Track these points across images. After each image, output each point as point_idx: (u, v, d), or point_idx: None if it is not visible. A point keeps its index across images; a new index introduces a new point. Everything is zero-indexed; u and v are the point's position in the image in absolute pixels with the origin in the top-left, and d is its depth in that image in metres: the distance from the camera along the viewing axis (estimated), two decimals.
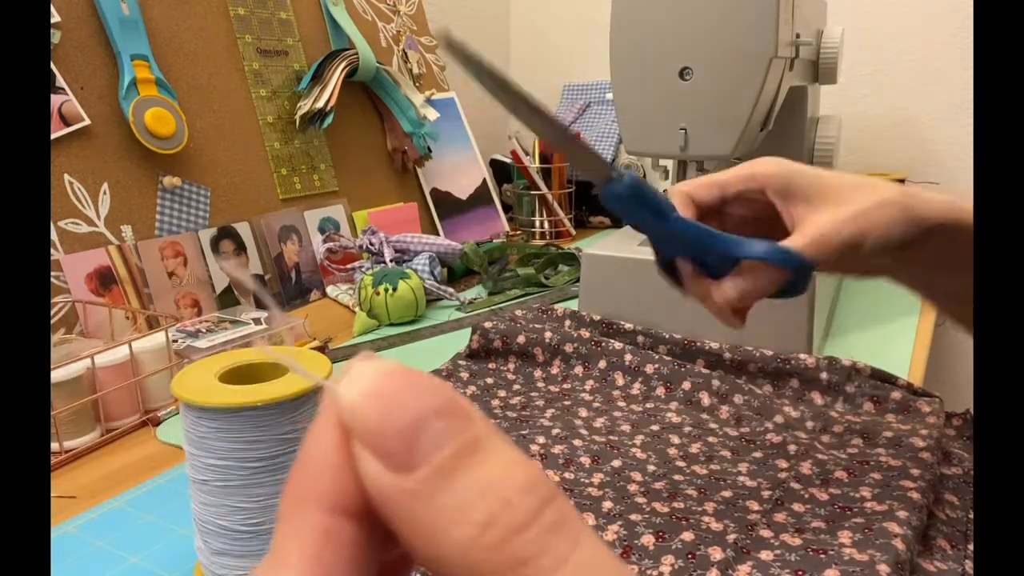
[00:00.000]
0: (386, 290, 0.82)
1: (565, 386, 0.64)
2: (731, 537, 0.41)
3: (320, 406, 0.15)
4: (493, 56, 1.55)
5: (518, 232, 1.26)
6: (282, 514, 0.14)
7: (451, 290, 0.91)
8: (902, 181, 1.15)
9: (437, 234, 1.16)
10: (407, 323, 0.84)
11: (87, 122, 0.76)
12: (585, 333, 0.68)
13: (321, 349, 0.75)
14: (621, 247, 0.77)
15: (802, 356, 0.61)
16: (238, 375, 0.40)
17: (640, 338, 0.68)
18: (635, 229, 0.42)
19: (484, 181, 1.28)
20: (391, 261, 0.94)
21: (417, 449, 0.14)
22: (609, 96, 1.40)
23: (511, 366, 0.68)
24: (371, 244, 0.96)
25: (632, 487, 0.48)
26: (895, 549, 0.38)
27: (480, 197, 1.26)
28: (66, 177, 0.74)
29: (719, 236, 0.40)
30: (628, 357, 0.64)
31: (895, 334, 0.75)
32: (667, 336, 0.67)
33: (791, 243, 0.40)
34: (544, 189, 1.26)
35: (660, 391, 0.62)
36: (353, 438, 0.14)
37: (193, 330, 0.71)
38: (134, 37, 0.79)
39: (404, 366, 0.15)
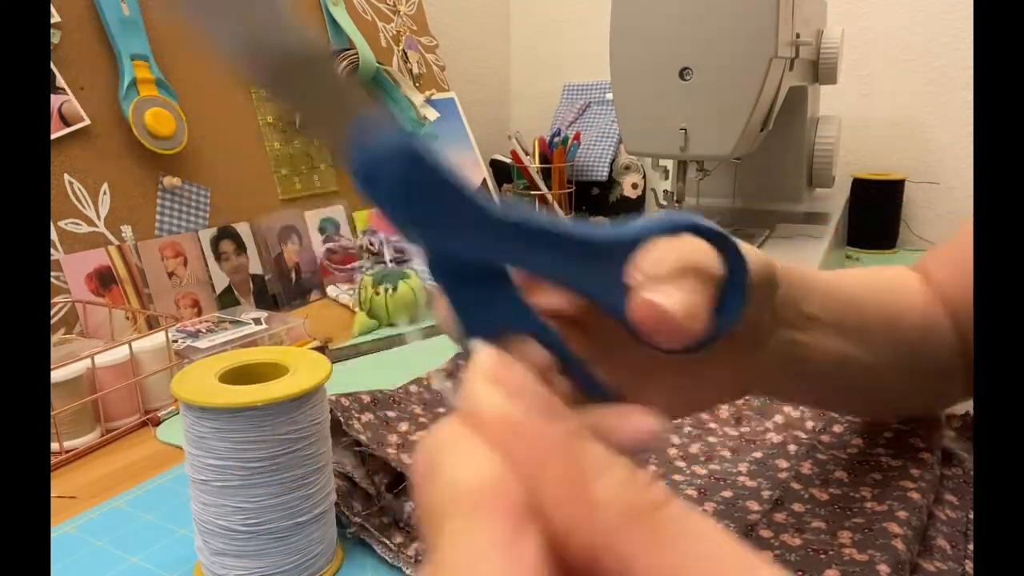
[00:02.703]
0: (386, 290, 0.82)
1: None
2: None
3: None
4: (493, 56, 1.55)
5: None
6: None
7: None
8: (902, 181, 1.15)
9: None
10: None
11: (87, 122, 0.76)
12: None
13: (320, 349, 0.74)
14: None
15: None
16: (238, 375, 0.40)
17: None
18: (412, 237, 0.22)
19: (484, 181, 1.28)
20: (391, 261, 0.94)
21: (561, 407, 0.16)
22: (609, 96, 1.40)
23: None
24: (371, 244, 0.96)
25: None
26: (895, 549, 0.38)
27: None
28: (66, 177, 0.74)
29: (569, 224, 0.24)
30: None
31: None
32: None
33: None
34: (544, 189, 1.25)
35: None
36: (488, 390, 0.16)
37: (193, 330, 0.71)
38: (134, 37, 0.79)
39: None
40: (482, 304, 0.24)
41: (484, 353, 0.17)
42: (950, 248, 0.47)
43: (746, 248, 0.29)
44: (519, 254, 0.23)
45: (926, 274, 0.46)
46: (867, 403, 0.49)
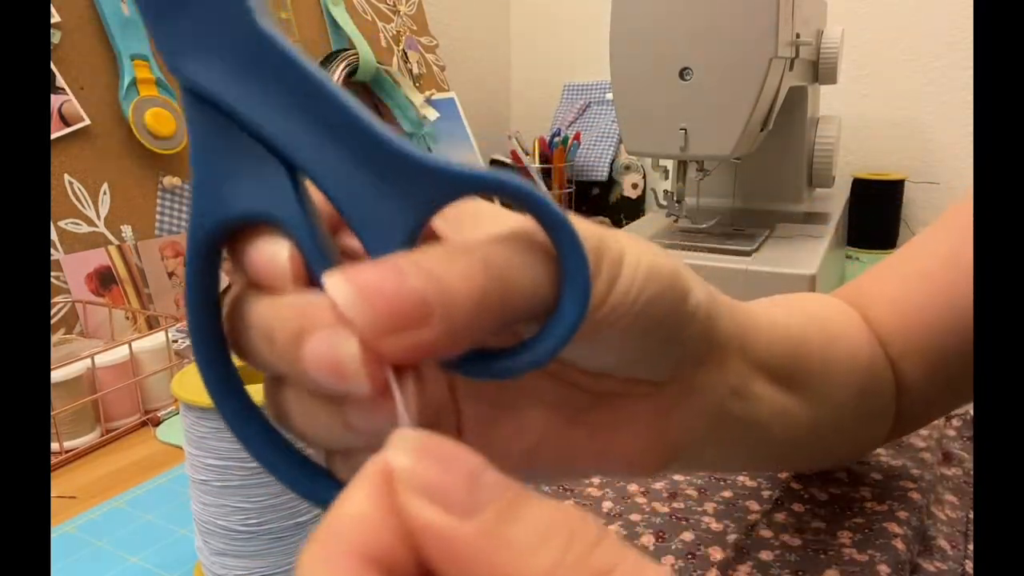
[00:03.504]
0: None
1: None
2: (731, 537, 0.41)
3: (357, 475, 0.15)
4: (493, 56, 1.55)
5: None
6: (309, 571, 0.14)
7: None
8: (902, 181, 1.15)
9: None
10: None
11: (87, 122, 0.76)
12: None
13: None
14: None
15: None
16: None
17: None
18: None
19: None
20: None
21: (480, 493, 0.14)
22: (609, 96, 1.40)
23: None
24: None
25: (632, 487, 0.48)
26: (895, 549, 0.38)
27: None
28: (66, 177, 0.74)
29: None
30: None
31: None
32: None
33: None
34: (544, 189, 1.26)
35: None
36: (403, 491, 0.14)
37: None
38: (134, 37, 0.79)
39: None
40: (229, 160, 0.18)
41: (402, 443, 0.14)
42: (885, 280, 0.42)
43: (643, 251, 0.23)
44: (288, 122, 0.17)
45: (861, 308, 0.41)
46: (798, 462, 0.43)
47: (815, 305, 0.40)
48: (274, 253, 0.18)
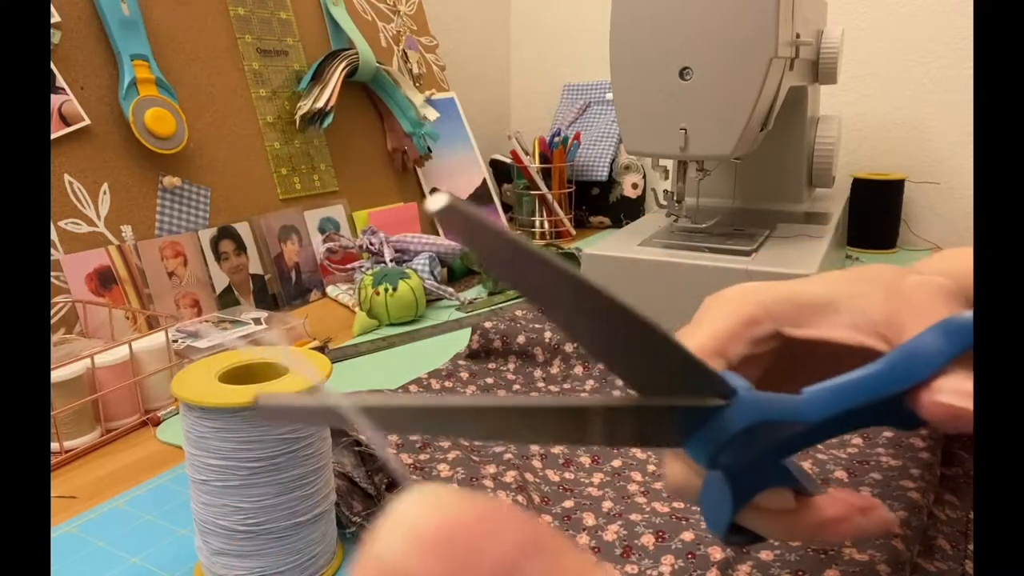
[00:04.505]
0: (386, 290, 0.82)
1: (565, 386, 0.64)
2: None
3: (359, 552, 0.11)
4: (493, 56, 1.55)
5: (518, 232, 1.26)
6: None
7: (451, 290, 0.91)
8: (902, 181, 1.15)
9: (437, 234, 1.16)
10: (407, 323, 0.84)
11: (87, 122, 0.76)
12: None
13: (320, 349, 0.74)
14: (621, 247, 0.77)
15: None
16: (238, 375, 0.40)
17: None
18: (728, 476, 0.28)
19: (484, 181, 1.28)
20: (391, 261, 0.94)
21: None
22: (609, 96, 1.40)
23: (511, 366, 0.68)
24: (371, 244, 0.96)
25: (632, 487, 0.48)
26: (895, 549, 0.38)
27: (480, 197, 1.26)
28: (66, 177, 0.74)
29: (866, 380, 0.27)
30: None
31: None
32: None
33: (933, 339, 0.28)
34: (544, 189, 1.25)
35: None
36: None
37: (193, 330, 0.71)
38: (134, 37, 0.79)
39: (466, 495, 0.12)
40: (753, 479, 0.28)
41: (414, 504, 0.12)
42: None
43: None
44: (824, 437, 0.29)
45: None
46: None
47: None
48: (784, 502, 0.29)
